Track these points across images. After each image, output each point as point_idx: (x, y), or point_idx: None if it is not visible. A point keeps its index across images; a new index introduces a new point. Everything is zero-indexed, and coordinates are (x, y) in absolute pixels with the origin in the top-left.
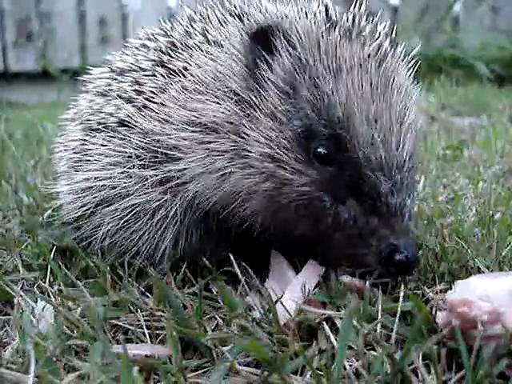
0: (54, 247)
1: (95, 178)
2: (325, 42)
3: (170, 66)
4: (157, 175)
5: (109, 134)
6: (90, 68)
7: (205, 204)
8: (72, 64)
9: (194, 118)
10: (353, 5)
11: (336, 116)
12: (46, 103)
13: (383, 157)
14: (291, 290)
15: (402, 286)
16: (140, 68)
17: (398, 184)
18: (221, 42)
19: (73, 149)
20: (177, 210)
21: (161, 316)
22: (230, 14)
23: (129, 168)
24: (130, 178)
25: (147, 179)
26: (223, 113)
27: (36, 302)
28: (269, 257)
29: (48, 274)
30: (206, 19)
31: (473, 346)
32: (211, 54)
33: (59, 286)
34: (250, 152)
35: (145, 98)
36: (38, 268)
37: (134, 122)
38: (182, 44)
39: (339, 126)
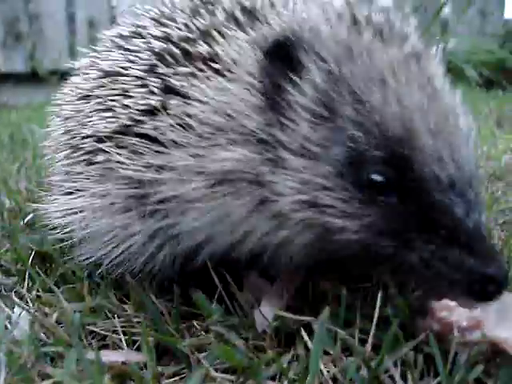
0: (33, 252)
1: (78, 213)
2: (357, 47)
3: (166, 79)
4: (145, 228)
5: (89, 162)
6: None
7: (206, 254)
8: (61, 65)
9: (200, 168)
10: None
11: (393, 132)
12: (35, 105)
13: (454, 173)
14: (269, 296)
15: (380, 292)
16: (129, 74)
17: (473, 202)
18: (229, 64)
19: (60, 163)
20: (165, 256)
21: (138, 322)
22: (241, 9)
23: (112, 216)
24: (115, 226)
25: (134, 233)
26: (239, 160)
27: (13, 308)
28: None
29: (26, 279)
30: (211, 13)
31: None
32: (218, 85)
33: (37, 291)
34: (280, 201)
35: (131, 118)
36: (17, 273)
37: (115, 160)
38: (181, 51)
39: (399, 144)
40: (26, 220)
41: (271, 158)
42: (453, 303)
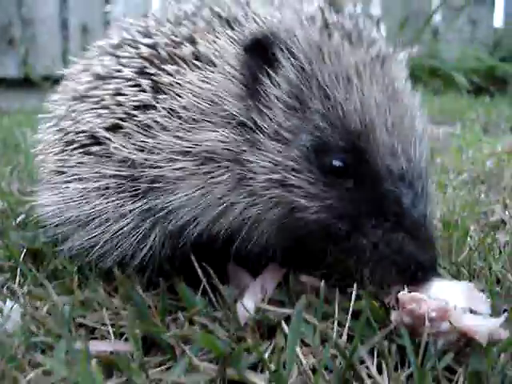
0: (25, 250)
1: (72, 199)
2: (327, 48)
3: (155, 78)
4: (137, 208)
5: (85, 152)
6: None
7: (194, 232)
8: (54, 71)
9: (187, 148)
10: (347, 7)
11: (353, 126)
12: (27, 109)
13: (405, 167)
14: (251, 290)
15: (355, 285)
16: (121, 76)
17: (419, 194)
18: (212, 58)
19: (53, 157)
20: (155, 237)
21: (126, 315)
22: (219, 18)
23: (106, 197)
24: (108, 207)
25: (126, 213)
26: (221, 141)
27: (5, 302)
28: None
29: (18, 275)
30: (192, 22)
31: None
32: (203, 75)
33: (28, 286)
34: (255, 179)
35: (125, 112)
36: (9, 270)
37: (111, 146)
38: (168, 54)
39: (357, 137)
40: (17, 220)
41: (249, 138)
42: (420, 295)
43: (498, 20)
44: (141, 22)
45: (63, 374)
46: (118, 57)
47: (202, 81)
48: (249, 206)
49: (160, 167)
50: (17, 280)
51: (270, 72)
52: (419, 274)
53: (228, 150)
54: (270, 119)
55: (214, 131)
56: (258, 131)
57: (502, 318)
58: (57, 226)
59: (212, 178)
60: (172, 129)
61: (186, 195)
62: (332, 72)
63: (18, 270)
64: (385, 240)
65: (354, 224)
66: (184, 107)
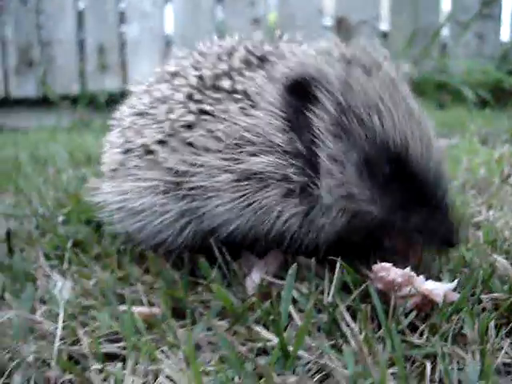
0: (71, 240)
1: (129, 193)
2: (353, 82)
3: (199, 104)
4: (177, 207)
5: (141, 158)
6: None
7: (224, 232)
8: (71, 91)
9: (225, 168)
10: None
11: (393, 145)
12: (46, 128)
13: (433, 167)
14: (257, 267)
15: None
16: (173, 99)
17: (446, 186)
18: (250, 94)
19: (117, 156)
20: (189, 231)
21: (157, 288)
22: (253, 56)
23: (155, 195)
24: (156, 203)
25: (169, 210)
26: (268, 164)
27: (56, 281)
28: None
29: (65, 261)
30: (229, 59)
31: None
32: (243, 109)
33: (74, 269)
34: (321, 196)
35: (173, 129)
36: (56, 258)
37: (160, 156)
38: (211, 84)
39: (398, 151)
40: (58, 221)
41: (294, 163)
42: (389, 265)
43: (505, 34)
44: (191, 57)
45: (113, 327)
46: (172, 84)
47: (243, 114)
48: (317, 217)
49: (198, 179)
50: (64, 264)
51: (312, 107)
52: (454, 239)
53: (274, 171)
54: (322, 145)
55: (259, 156)
56: (312, 157)
57: (455, 283)
58: (113, 210)
59: (255, 192)
60: (211, 149)
61: (220, 204)
62: (362, 102)
63: (66, 256)
64: (426, 219)
65: (402, 215)
66: (224, 132)
